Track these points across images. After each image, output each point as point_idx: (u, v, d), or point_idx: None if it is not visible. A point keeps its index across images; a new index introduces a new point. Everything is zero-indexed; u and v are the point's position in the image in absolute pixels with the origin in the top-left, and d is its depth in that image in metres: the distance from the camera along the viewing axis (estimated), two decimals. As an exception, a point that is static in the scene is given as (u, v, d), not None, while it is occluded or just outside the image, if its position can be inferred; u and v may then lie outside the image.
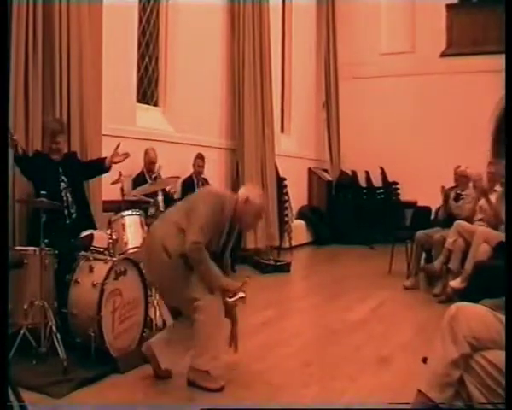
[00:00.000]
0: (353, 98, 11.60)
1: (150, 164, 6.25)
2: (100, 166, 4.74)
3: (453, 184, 6.79)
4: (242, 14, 8.26)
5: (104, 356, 3.68)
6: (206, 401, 3.23)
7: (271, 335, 4.71)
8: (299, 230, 10.14)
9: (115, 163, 4.68)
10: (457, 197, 6.60)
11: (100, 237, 4.26)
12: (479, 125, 10.47)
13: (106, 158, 4.73)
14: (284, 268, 7.74)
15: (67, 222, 4.36)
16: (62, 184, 4.42)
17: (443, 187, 6.62)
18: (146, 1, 7.21)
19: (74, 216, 4.43)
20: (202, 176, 7.17)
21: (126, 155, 4.72)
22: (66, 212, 4.37)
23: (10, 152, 4.09)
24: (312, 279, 7.77)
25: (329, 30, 11.52)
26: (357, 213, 10.94)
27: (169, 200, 6.53)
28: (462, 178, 6.69)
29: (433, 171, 9.48)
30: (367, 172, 11.39)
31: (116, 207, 4.80)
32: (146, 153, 6.33)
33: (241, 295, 3.64)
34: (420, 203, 9.17)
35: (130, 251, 4.26)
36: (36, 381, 3.35)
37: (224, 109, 8.33)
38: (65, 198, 4.39)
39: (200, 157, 7.15)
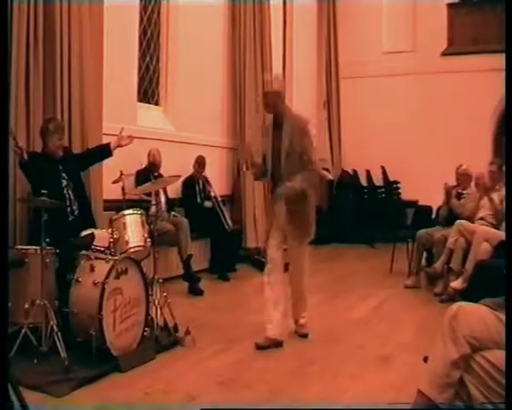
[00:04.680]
0: (354, 97, 11.59)
1: (154, 165, 6.25)
2: (103, 151, 4.84)
3: (455, 183, 6.79)
4: (243, 13, 8.26)
5: (105, 355, 3.68)
6: (206, 401, 3.23)
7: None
8: (300, 229, 10.12)
9: (121, 146, 4.79)
10: (459, 196, 6.60)
11: (101, 236, 4.27)
12: (480, 125, 10.46)
13: (109, 143, 4.78)
14: (285, 267, 7.71)
15: (70, 219, 4.37)
16: (63, 181, 4.43)
17: (446, 184, 6.61)
18: (147, 0, 7.21)
19: (76, 213, 4.44)
20: (203, 174, 7.18)
21: (131, 138, 4.85)
22: (68, 209, 4.38)
23: (11, 153, 4.08)
24: (313, 278, 7.70)
25: (330, 29, 11.51)
26: (358, 213, 10.93)
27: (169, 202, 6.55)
28: (463, 177, 6.68)
29: (435, 170, 9.47)
30: (368, 172, 11.38)
31: (117, 206, 4.80)
32: (150, 154, 6.33)
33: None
34: (421, 202, 9.18)
35: (132, 250, 4.26)
36: (37, 380, 3.36)
37: (225, 108, 8.33)
38: (67, 196, 4.40)
39: (198, 162, 7.12)
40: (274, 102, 4.20)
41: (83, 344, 3.77)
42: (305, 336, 4.62)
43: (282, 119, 4.23)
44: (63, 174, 4.45)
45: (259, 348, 4.21)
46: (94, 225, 4.56)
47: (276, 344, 4.30)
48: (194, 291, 6.02)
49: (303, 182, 4.26)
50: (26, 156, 4.12)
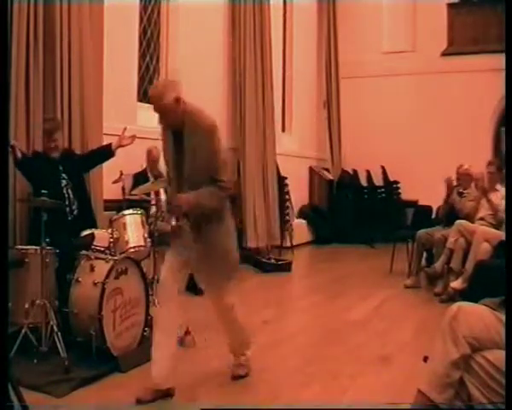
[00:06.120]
0: (354, 97, 11.59)
1: (153, 162, 6.25)
2: (105, 152, 4.81)
3: (455, 183, 6.79)
4: (243, 13, 8.26)
5: (105, 355, 3.68)
6: (206, 401, 3.23)
7: (272, 334, 4.71)
8: (300, 229, 10.14)
9: (123, 146, 4.75)
10: (460, 196, 6.61)
11: (101, 236, 4.27)
12: (479, 125, 10.47)
13: (111, 143, 4.77)
14: (285, 267, 7.74)
15: (69, 219, 4.37)
16: (63, 181, 4.44)
17: (448, 178, 6.61)
18: (147, 0, 7.22)
19: (76, 213, 4.44)
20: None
21: (133, 137, 4.82)
22: (67, 209, 4.38)
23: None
24: (313, 278, 7.77)
25: (330, 29, 11.51)
26: (358, 213, 10.93)
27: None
28: (464, 177, 6.69)
29: (434, 170, 9.47)
30: (368, 172, 11.38)
31: (117, 206, 4.80)
32: (148, 152, 6.33)
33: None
34: (421, 202, 9.17)
35: (131, 250, 4.26)
36: (37, 380, 3.36)
37: (225, 108, 8.33)
38: (66, 195, 4.41)
39: None
40: (165, 116, 3.22)
41: (83, 344, 3.78)
42: (240, 377, 3.62)
43: (183, 129, 3.26)
44: (63, 174, 4.46)
45: (140, 403, 3.19)
46: (95, 226, 4.56)
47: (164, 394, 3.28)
48: (195, 291, 6.01)
49: (201, 197, 3.21)
50: (19, 155, 4.14)
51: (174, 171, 3.35)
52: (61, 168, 4.46)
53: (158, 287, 3.53)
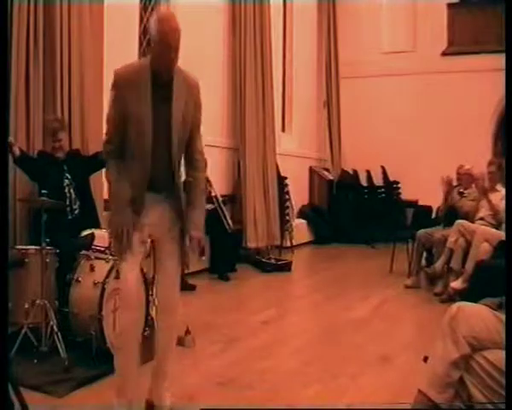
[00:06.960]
0: (354, 97, 11.59)
1: None
2: None
3: (455, 184, 6.80)
4: (243, 13, 8.26)
5: (105, 355, 3.67)
6: (206, 401, 3.23)
7: (272, 334, 4.71)
8: (300, 229, 10.14)
9: None
10: (460, 196, 6.62)
11: (101, 237, 4.27)
12: (480, 125, 10.47)
13: None
14: (285, 267, 7.74)
15: (69, 218, 4.37)
16: (66, 180, 4.44)
17: (448, 176, 6.62)
18: (147, 0, 7.21)
19: (77, 212, 4.45)
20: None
21: None
22: (68, 209, 4.38)
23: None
24: (313, 278, 7.77)
25: (330, 29, 11.51)
26: (359, 213, 10.94)
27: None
28: (465, 177, 6.69)
29: (435, 170, 9.45)
30: (368, 172, 11.38)
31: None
32: None
33: None
34: (421, 202, 9.19)
35: (131, 250, 4.25)
36: (37, 380, 3.36)
37: (225, 108, 8.32)
38: (68, 194, 4.41)
39: None
40: (175, 56, 2.70)
41: (83, 344, 3.78)
42: None
43: (172, 76, 2.79)
44: (67, 174, 4.46)
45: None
46: (98, 226, 4.57)
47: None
48: (184, 287, 5.97)
49: (202, 206, 2.95)
50: (17, 152, 4.16)
51: (155, 127, 2.74)
52: (65, 168, 4.47)
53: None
